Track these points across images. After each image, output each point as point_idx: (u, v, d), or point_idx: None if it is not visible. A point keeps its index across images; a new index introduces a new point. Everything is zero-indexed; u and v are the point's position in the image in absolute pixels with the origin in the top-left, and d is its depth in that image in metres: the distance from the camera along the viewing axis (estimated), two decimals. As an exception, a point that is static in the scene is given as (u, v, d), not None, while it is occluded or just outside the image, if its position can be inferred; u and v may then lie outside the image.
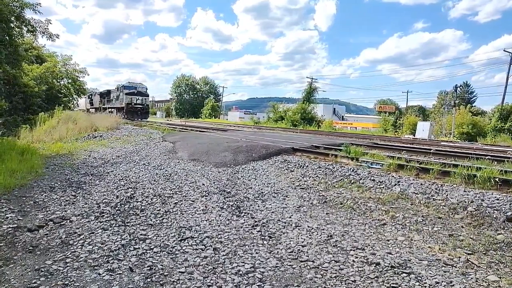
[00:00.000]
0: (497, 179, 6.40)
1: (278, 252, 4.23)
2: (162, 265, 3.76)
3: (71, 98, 38.82)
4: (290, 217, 5.54)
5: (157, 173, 8.67)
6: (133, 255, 4.00)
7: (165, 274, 3.57)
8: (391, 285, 3.45)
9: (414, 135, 30.59)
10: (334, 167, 8.37)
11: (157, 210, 5.71)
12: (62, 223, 5.00)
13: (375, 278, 3.58)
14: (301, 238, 4.69)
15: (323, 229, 5.02)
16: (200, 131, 20.21)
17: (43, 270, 3.55)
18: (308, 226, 5.12)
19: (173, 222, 5.15)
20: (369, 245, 4.49)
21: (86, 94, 43.87)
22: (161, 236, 4.59)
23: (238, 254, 4.09)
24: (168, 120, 56.83)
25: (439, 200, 5.98)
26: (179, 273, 3.58)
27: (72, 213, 5.42)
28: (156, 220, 5.24)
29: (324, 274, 3.68)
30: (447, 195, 6.07)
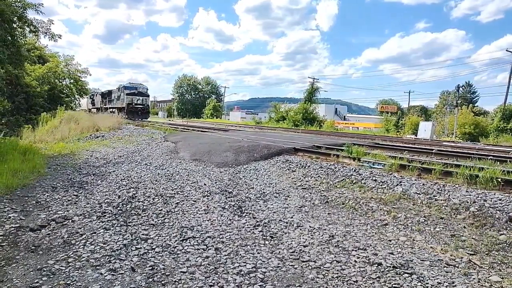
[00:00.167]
0: (499, 180, 6.37)
1: (279, 252, 4.23)
2: (164, 265, 3.76)
3: (73, 98, 38.93)
4: (291, 217, 5.53)
5: (159, 173, 8.68)
6: (135, 255, 4.00)
7: (167, 274, 3.57)
8: (393, 285, 3.45)
9: (416, 135, 30.52)
10: (336, 167, 8.36)
11: (159, 210, 5.72)
12: (64, 223, 5.02)
13: (377, 279, 3.58)
14: (303, 238, 4.69)
15: (325, 229, 5.02)
16: (201, 131, 20.22)
17: (45, 269, 3.56)
18: (310, 226, 5.12)
19: (175, 222, 5.16)
20: (371, 245, 4.49)
21: (88, 94, 44.01)
22: (163, 236, 4.60)
23: (240, 254, 4.09)
24: (170, 120, 56.91)
25: (441, 200, 5.96)
26: (181, 273, 3.59)
27: (74, 213, 5.43)
28: (158, 220, 5.25)
29: (326, 274, 3.67)
30: (449, 195, 6.05)
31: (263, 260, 3.97)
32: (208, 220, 5.28)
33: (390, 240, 4.72)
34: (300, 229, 5.02)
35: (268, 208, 6.07)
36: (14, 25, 14.42)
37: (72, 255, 3.92)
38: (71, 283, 3.31)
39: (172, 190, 7.03)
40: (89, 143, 15.78)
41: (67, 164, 10.06)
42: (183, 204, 6.13)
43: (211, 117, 72.36)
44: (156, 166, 9.62)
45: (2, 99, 21.62)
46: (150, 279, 3.45)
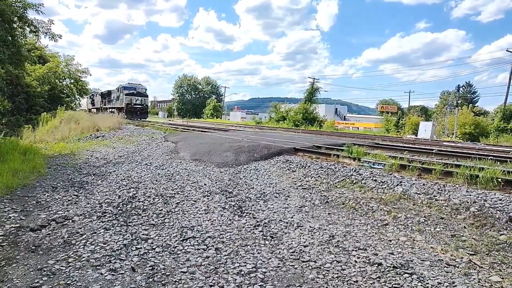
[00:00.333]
0: (499, 180, 6.37)
1: (280, 252, 4.23)
2: (164, 265, 3.76)
3: (73, 98, 39.01)
4: (292, 217, 5.53)
5: (159, 173, 8.68)
6: (135, 255, 4.00)
7: (167, 274, 3.57)
8: (393, 285, 3.45)
9: (416, 136, 30.52)
10: (336, 167, 8.36)
11: (159, 210, 5.72)
12: (64, 223, 5.02)
13: (377, 279, 3.58)
14: (303, 238, 4.69)
15: (325, 229, 5.02)
16: (202, 131, 20.23)
17: (45, 269, 3.57)
18: (310, 226, 5.12)
19: (175, 222, 5.16)
20: (371, 245, 4.49)
21: (88, 94, 44.10)
22: (163, 236, 4.60)
23: (240, 254, 4.10)
24: (170, 120, 56.95)
25: (441, 200, 5.96)
26: (181, 273, 3.59)
27: (75, 213, 5.44)
28: (158, 220, 5.25)
29: (326, 274, 3.67)
30: (449, 195, 6.05)
31: (263, 260, 3.97)
32: (208, 220, 5.28)
33: (390, 240, 4.72)
34: (300, 229, 5.02)
35: (268, 208, 6.07)
36: (15, 25, 14.44)
37: (72, 255, 3.92)
38: (71, 283, 3.31)
39: (173, 190, 7.03)
40: (90, 143, 15.79)
41: (67, 164, 10.07)
42: (183, 204, 6.13)
43: (211, 117, 72.37)
44: (156, 166, 9.62)
45: (3, 99, 21.63)
46: (151, 279, 3.45)
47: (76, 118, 23.08)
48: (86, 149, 13.47)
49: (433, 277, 3.64)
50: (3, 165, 8.18)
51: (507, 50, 35.22)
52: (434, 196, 6.14)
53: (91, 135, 18.63)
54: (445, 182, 6.80)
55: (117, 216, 5.37)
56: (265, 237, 4.70)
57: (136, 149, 13.11)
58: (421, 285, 3.46)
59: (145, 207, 5.89)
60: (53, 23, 16.44)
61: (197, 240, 4.47)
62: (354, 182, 7.39)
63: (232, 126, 35.88)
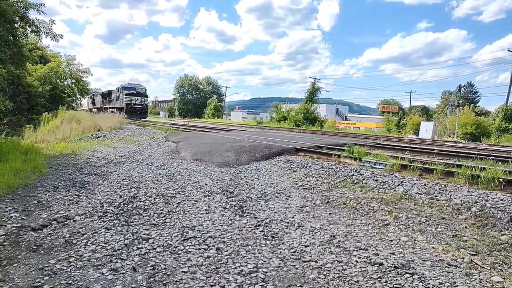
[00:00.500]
0: (501, 180, 6.36)
1: (281, 252, 4.23)
2: (165, 265, 3.76)
3: (74, 98, 39.09)
4: (293, 217, 5.53)
5: (160, 173, 8.69)
6: (136, 254, 4.01)
7: (168, 273, 3.57)
8: (394, 285, 3.44)
9: (417, 135, 30.49)
10: (337, 167, 8.36)
11: (160, 210, 5.73)
12: (65, 222, 5.03)
13: (378, 279, 3.58)
14: (304, 238, 4.69)
15: (326, 229, 5.02)
16: (203, 131, 20.23)
17: (46, 269, 3.57)
18: (311, 226, 5.12)
19: (176, 222, 5.16)
20: (372, 245, 4.48)
21: (89, 94, 44.22)
22: (164, 236, 4.60)
23: (241, 254, 4.10)
24: (171, 120, 56.97)
25: (442, 200, 5.96)
26: (182, 273, 3.59)
27: (76, 213, 5.44)
28: (159, 220, 5.26)
29: (327, 274, 3.67)
30: (450, 195, 6.04)
31: (264, 260, 3.97)
32: (209, 220, 5.28)
33: (391, 240, 4.72)
34: (301, 229, 5.02)
35: (269, 208, 6.07)
36: (16, 25, 14.47)
37: (73, 255, 3.93)
38: (73, 283, 3.32)
39: (174, 190, 7.03)
40: (91, 143, 15.81)
41: (68, 164, 10.08)
42: (184, 204, 6.13)
43: (212, 117, 72.37)
44: (157, 166, 9.63)
45: (4, 99, 21.65)
46: (151, 279, 3.45)
47: (77, 118, 23.13)
48: (87, 149, 13.49)
49: (434, 277, 3.63)
50: (5, 165, 8.20)
51: (508, 50, 35.18)
52: (435, 196, 6.13)
53: (92, 135, 18.65)
54: (447, 182, 6.79)
55: (118, 215, 5.38)
56: (266, 237, 4.69)
57: (137, 149, 13.13)
58: (422, 285, 3.45)
59: (146, 207, 5.90)
60: (54, 23, 16.48)
61: (198, 240, 4.48)
62: (355, 182, 7.38)
63: (233, 126, 35.89)
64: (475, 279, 3.65)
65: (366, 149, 11.07)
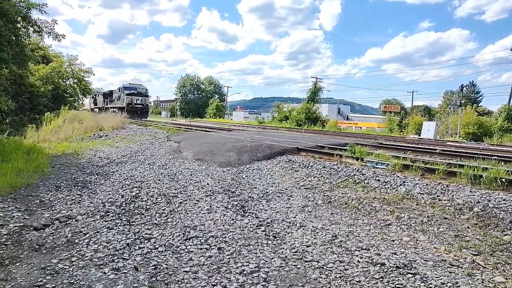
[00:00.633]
0: (503, 180, 6.34)
1: (282, 252, 4.23)
2: (167, 264, 3.77)
3: (76, 98, 39.19)
4: (294, 217, 5.53)
5: (162, 173, 8.70)
6: (138, 254, 4.01)
7: (170, 273, 3.58)
8: (396, 285, 3.43)
9: (419, 135, 30.41)
10: (339, 167, 8.35)
11: (162, 210, 5.73)
12: (67, 222, 5.04)
13: (380, 279, 3.57)
14: (306, 238, 4.68)
15: (328, 229, 5.01)
16: (205, 130, 20.24)
17: (49, 268, 3.58)
18: (313, 226, 5.11)
19: (178, 222, 5.17)
20: (374, 245, 4.48)
21: (91, 94, 44.39)
22: (166, 236, 4.61)
23: (243, 254, 4.10)
24: (173, 120, 57.05)
25: (444, 200, 5.94)
26: (184, 273, 3.59)
27: (78, 212, 5.45)
28: (161, 220, 5.26)
29: (329, 274, 3.67)
30: (453, 195, 6.03)
31: (265, 259, 3.96)
32: (211, 220, 5.28)
33: (393, 240, 4.71)
34: (303, 229, 5.01)
35: (271, 207, 6.07)
36: (18, 25, 14.50)
37: (75, 254, 3.94)
38: (75, 282, 3.32)
39: (175, 189, 7.04)
40: (93, 142, 15.85)
41: (70, 164, 10.10)
42: (186, 203, 6.14)
43: (214, 117, 72.43)
44: (159, 166, 9.64)
45: (6, 98, 21.71)
46: (153, 278, 3.46)
47: (79, 118, 23.18)
48: (89, 149, 13.52)
49: (436, 277, 3.62)
50: (7, 164, 8.22)
51: (511, 50, 35.07)
52: (438, 196, 6.12)
53: (94, 134, 18.70)
54: (449, 182, 6.77)
55: (120, 215, 5.39)
56: (267, 237, 4.69)
57: (139, 148, 13.15)
58: (424, 285, 3.45)
59: (148, 206, 5.90)
60: (56, 23, 16.51)
61: (200, 240, 4.48)
62: (357, 182, 7.38)
63: (235, 126, 35.89)
64: (477, 279, 3.64)
65: (368, 149, 11.06)
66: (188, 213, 5.60)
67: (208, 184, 7.55)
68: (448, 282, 3.53)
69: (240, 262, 3.86)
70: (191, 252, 4.13)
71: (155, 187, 7.17)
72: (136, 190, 6.87)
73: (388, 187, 6.81)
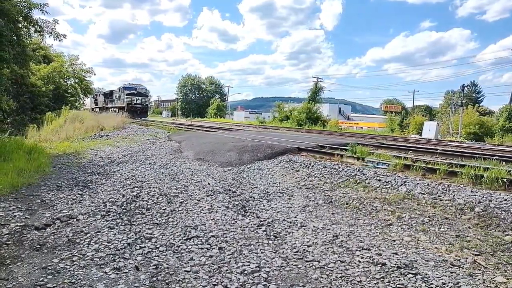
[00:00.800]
0: (505, 180, 6.32)
1: (283, 251, 4.23)
2: (168, 264, 3.77)
3: (77, 98, 39.28)
4: (295, 217, 5.53)
5: (162, 172, 8.70)
6: (139, 254, 4.02)
7: (170, 273, 3.58)
8: (397, 285, 3.43)
9: (420, 135, 30.38)
10: (339, 167, 8.34)
11: (163, 209, 5.74)
12: (69, 221, 5.04)
13: (381, 279, 3.57)
14: (307, 238, 4.68)
15: (329, 229, 5.01)
16: (205, 130, 20.25)
17: (50, 268, 3.58)
18: (314, 226, 5.11)
19: (179, 221, 5.17)
20: (375, 245, 4.47)
21: (92, 94, 44.53)
22: (166, 235, 4.61)
23: (244, 254, 4.10)
24: (174, 119, 57.09)
25: (446, 200, 5.93)
26: (185, 272, 3.59)
27: (79, 212, 5.46)
28: (162, 219, 5.26)
29: (330, 274, 3.67)
30: (454, 195, 6.02)
31: (266, 259, 3.97)
32: (211, 220, 5.28)
33: (394, 240, 4.70)
34: (304, 229, 5.01)
35: (271, 207, 6.07)
36: (20, 25, 14.51)
37: (76, 254, 3.94)
38: (76, 282, 3.33)
39: (176, 189, 7.04)
40: (94, 142, 15.86)
41: (71, 163, 10.11)
42: (187, 203, 6.14)
43: (215, 116, 72.43)
44: (160, 166, 9.65)
45: (8, 98, 21.76)
46: (154, 278, 3.46)
47: (80, 118, 23.23)
48: (91, 148, 13.53)
49: (438, 277, 3.62)
50: (8, 164, 8.23)
51: (512, 49, 34.96)
52: (439, 196, 6.11)
53: (95, 134, 18.72)
54: (450, 182, 6.76)
55: (121, 215, 5.39)
56: (268, 237, 4.69)
57: (140, 148, 13.16)
58: (426, 286, 3.44)
59: (149, 206, 5.91)
60: (57, 23, 16.50)
61: (201, 239, 4.48)
62: (358, 182, 7.37)
63: (236, 125, 35.90)
64: (479, 279, 3.63)
65: (369, 148, 11.04)
66: (189, 213, 5.60)
67: (209, 184, 7.55)
68: (449, 282, 3.52)
69: (241, 262, 3.86)
70: (192, 251, 4.13)
71: (156, 187, 7.17)
72: (137, 190, 6.88)
73: (389, 187, 6.80)
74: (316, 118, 43.18)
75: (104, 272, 3.54)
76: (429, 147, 14.90)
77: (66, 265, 3.67)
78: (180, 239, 4.48)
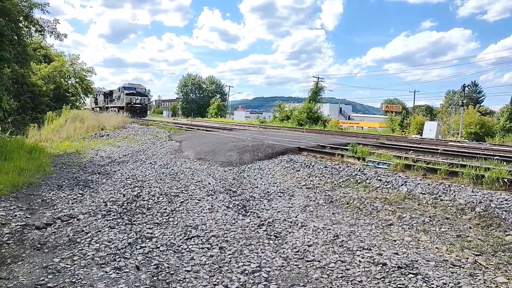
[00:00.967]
0: (505, 180, 6.31)
1: (284, 251, 4.22)
2: (168, 264, 3.77)
3: (78, 97, 39.34)
4: (296, 217, 5.53)
5: (163, 172, 8.70)
6: (140, 253, 4.02)
7: (171, 272, 3.58)
8: (398, 285, 3.43)
9: (421, 135, 30.36)
10: (340, 167, 8.34)
11: (164, 209, 5.74)
12: (69, 221, 5.04)
13: (382, 279, 3.57)
14: (307, 238, 4.68)
15: (329, 229, 5.01)
16: (206, 130, 20.25)
17: (50, 267, 3.58)
18: (314, 226, 5.11)
19: (179, 221, 5.17)
20: (375, 245, 4.47)
21: (93, 94, 44.64)
22: (167, 235, 4.61)
23: (244, 253, 4.10)
24: (174, 119, 57.11)
25: (446, 200, 5.93)
26: (185, 272, 3.59)
27: (80, 212, 5.46)
28: (163, 219, 5.26)
29: (330, 274, 3.66)
30: (454, 195, 6.01)
31: (267, 259, 3.96)
32: (212, 219, 5.28)
33: (395, 240, 4.70)
34: (305, 229, 5.01)
35: (272, 207, 6.07)
36: (20, 25, 14.54)
37: (77, 253, 3.94)
38: (77, 281, 3.33)
39: (177, 189, 7.04)
40: (94, 142, 15.87)
41: (72, 163, 10.12)
42: (187, 203, 6.14)
43: (215, 116, 72.44)
44: (160, 165, 9.65)
45: (9, 98, 21.77)
46: (155, 278, 3.46)
47: (81, 117, 23.22)
48: (91, 148, 13.54)
49: (438, 277, 3.62)
50: (9, 163, 8.24)
51: (513, 49, 34.95)
52: (439, 196, 6.10)
53: (96, 134, 18.73)
54: (451, 182, 6.75)
55: (121, 214, 5.39)
56: (269, 237, 4.69)
57: (141, 148, 13.16)
58: (426, 286, 3.44)
59: (149, 206, 5.91)
60: (58, 23, 16.55)
61: (201, 239, 4.48)
62: (358, 181, 7.37)
63: (236, 125, 35.89)
64: (479, 279, 3.63)
65: (369, 148, 11.04)
66: (189, 213, 5.60)
67: (209, 183, 7.55)
68: (450, 282, 3.52)
69: (241, 262, 3.86)
70: (192, 251, 4.13)
71: (157, 187, 7.17)
72: (137, 190, 6.88)
73: (390, 187, 6.80)
74: (317, 118, 43.14)
75: (104, 271, 3.54)
76: (429, 147, 14.88)
77: (67, 264, 3.67)
78: (180, 239, 4.48)
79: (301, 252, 4.21)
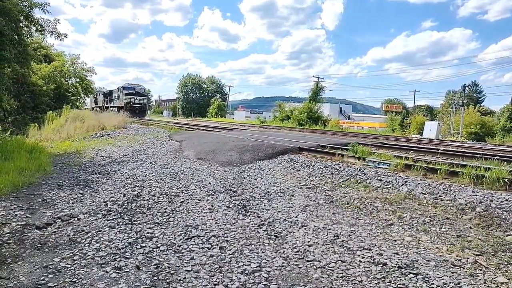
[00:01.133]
0: (506, 180, 6.31)
1: (284, 251, 4.22)
2: (168, 264, 3.77)
3: (78, 97, 39.33)
4: (296, 217, 5.53)
5: (163, 172, 8.70)
6: (140, 253, 4.02)
7: (171, 272, 3.58)
8: (398, 285, 3.43)
9: (421, 135, 30.35)
10: (340, 167, 8.34)
11: (164, 209, 5.74)
12: (70, 221, 5.05)
13: (382, 279, 3.56)
14: (307, 237, 4.68)
15: (330, 229, 5.01)
16: (206, 130, 20.24)
17: (51, 267, 3.59)
18: (315, 226, 5.11)
19: (180, 221, 5.17)
20: (376, 245, 4.47)
21: (93, 93, 44.68)
22: (167, 235, 4.61)
23: (244, 253, 4.10)
24: (174, 119, 57.10)
25: (447, 200, 5.93)
26: (186, 272, 3.60)
27: (80, 211, 5.46)
28: (163, 219, 5.27)
29: (331, 274, 3.66)
30: (455, 195, 6.01)
31: (267, 259, 3.96)
32: (212, 219, 5.28)
33: (395, 240, 4.70)
34: (305, 229, 5.01)
35: (272, 207, 6.07)
36: (21, 24, 14.53)
37: (77, 253, 3.95)
38: (77, 281, 3.33)
39: (177, 188, 7.04)
40: (95, 141, 15.87)
41: (72, 163, 10.13)
42: (187, 203, 6.14)
43: (215, 116, 72.41)
44: (161, 165, 9.65)
45: (9, 97, 21.75)
46: (155, 278, 3.46)
47: (81, 117, 23.21)
48: (91, 148, 13.55)
49: (439, 277, 3.61)
50: (9, 163, 8.25)
51: (513, 49, 34.94)
52: (440, 196, 6.10)
53: (96, 133, 18.73)
54: (451, 182, 6.75)
55: (122, 214, 5.39)
56: (269, 236, 4.69)
57: (141, 147, 13.16)
58: (426, 286, 3.44)
59: (149, 205, 5.91)
60: (59, 22, 16.52)
61: (202, 239, 4.48)
62: (358, 181, 7.36)
63: (237, 125, 35.88)
64: (480, 279, 3.63)
65: (369, 148, 11.03)
66: (189, 212, 5.60)
67: (209, 183, 7.55)
68: (450, 282, 3.52)
69: (241, 262, 3.86)
70: (192, 251, 4.13)
71: (157, 186, 7.18)
72: (138, 189, 6.88)
73: (390, 187, 6.79)
74: (317, 117, 43.12)
75: (105, 271, 3.54)
76: (430, 147, 14.87)
77: (67, 264, 3.68)
78: (181, 239, 4.48)
79: (301, 252, 4.21)
